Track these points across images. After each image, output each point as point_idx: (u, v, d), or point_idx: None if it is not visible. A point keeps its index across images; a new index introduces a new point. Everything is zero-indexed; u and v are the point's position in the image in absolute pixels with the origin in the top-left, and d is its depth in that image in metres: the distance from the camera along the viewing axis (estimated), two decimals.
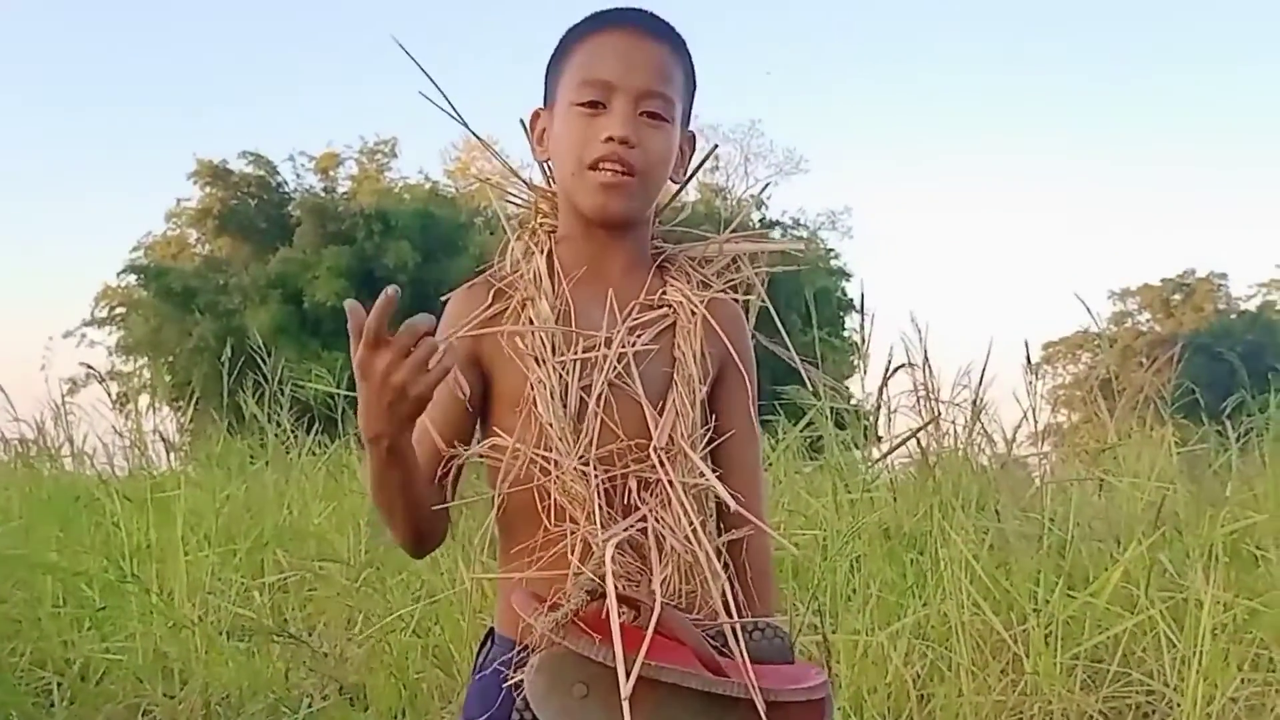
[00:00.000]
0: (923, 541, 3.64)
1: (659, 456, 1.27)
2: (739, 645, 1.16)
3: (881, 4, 45.13)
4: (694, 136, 1.50)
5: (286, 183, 29.00)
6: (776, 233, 29.92)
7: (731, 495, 1.21)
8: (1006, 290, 41.48)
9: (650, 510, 1.23)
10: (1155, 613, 3.28)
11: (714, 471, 1.31)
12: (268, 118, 41.58)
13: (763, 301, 1.52)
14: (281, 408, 5.57)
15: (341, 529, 4.60)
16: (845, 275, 29.59)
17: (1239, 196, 47.76)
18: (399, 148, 29.64)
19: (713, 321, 1.40)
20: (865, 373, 3.99)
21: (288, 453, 5.57)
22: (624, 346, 1.34)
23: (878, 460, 4.09)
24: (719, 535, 1.36)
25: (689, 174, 1.51)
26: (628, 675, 1.02)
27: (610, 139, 1.36)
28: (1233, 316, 35.08)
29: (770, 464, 4.70)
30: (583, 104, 1.38)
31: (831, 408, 4.20)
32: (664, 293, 1.43)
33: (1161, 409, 4.91)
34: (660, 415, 1.33)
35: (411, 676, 3.66)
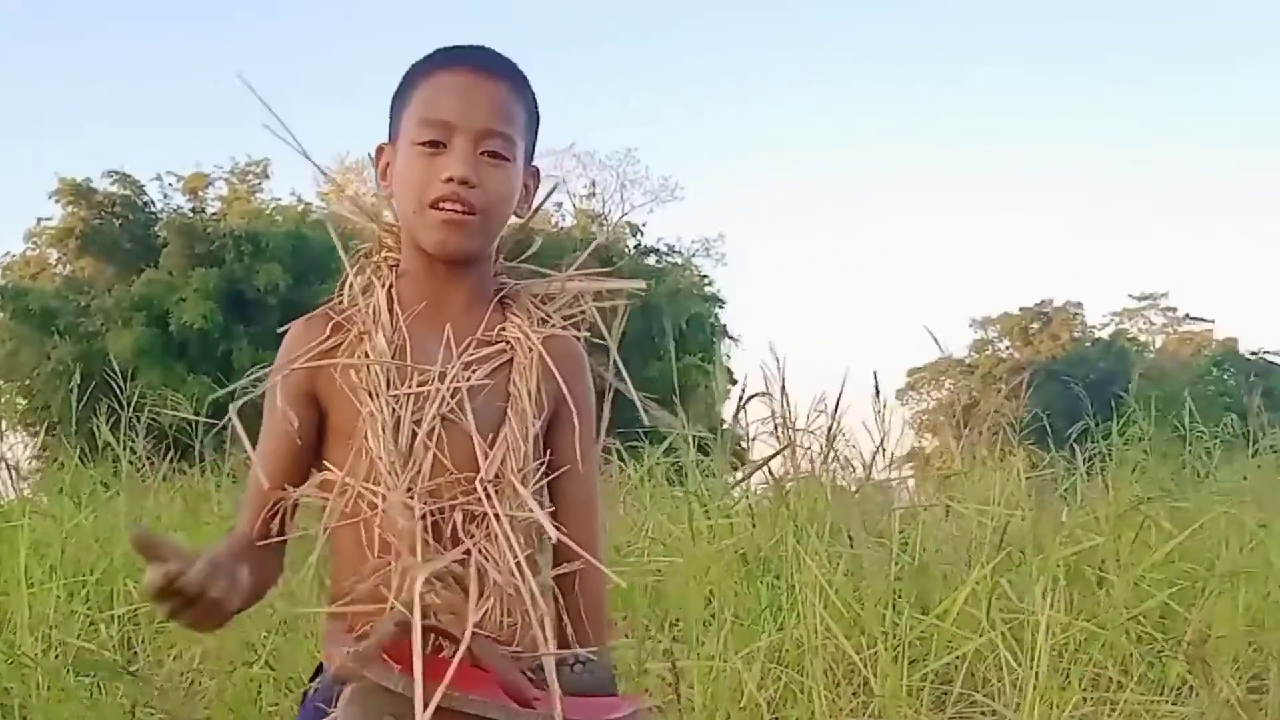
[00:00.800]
0: (779, 566, 3.71)
1: (485, 490, 1.28)
2: (553, 677, 1.18)
3: (753, 34, 46.03)
4: (538, 171, 1.52)
5: (153, 203, 28.29)
6: (651, 259, 30.19)
7: (558, 529, 1.23)
8: (878, 315, 42.47)
9: (475, 543, 1.24)
10: (997, 635, 3.38)
11: (548, 508, 1.33)
12: (135, 137, 40.59)
13: (603, 340, 1.54)
14: (138, 434, 5.42)
15: None
16: (719, 301, 29.98)
17: (1096, 227, 49.91)
18: (271, 169, 29.05)
19: (549, 359, 1.41)
20: (724, 400, 4.06)
21: (143, 481, 5.41)
22: (458, 381, 1.35)
23: (732, 486, 4.17)
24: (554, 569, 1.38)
25: (533, 209, 1.53)
26: (425, 705, 1.04)
27: (450, 179, 1.37)
28: (1088, 344, 36.50)
29: (634, 489, 4.74)
30: (423, 143, 1.39)
31: (695, 435, 4.26)
32: (503, 329, 1.44)
33: (1012, 435, 5.11)
34: (491, 449, 1.34)
35: (264, 709, 3.58)
